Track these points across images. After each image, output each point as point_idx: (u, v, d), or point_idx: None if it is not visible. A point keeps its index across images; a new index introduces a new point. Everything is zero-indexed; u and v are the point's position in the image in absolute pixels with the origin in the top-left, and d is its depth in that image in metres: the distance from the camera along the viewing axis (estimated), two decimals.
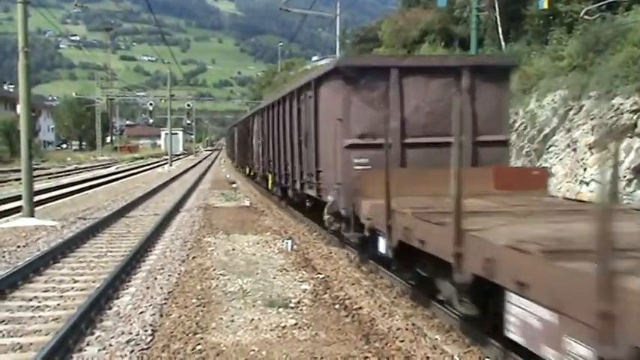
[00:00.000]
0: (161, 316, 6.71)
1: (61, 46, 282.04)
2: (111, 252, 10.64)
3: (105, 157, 69.27)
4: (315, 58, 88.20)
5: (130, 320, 6.47)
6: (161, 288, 7.95)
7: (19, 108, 15.21)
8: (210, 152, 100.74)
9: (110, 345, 5.68)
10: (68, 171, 42.90)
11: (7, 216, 15.62)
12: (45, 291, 7.84)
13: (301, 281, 8.47)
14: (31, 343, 5.74)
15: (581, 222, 5.43)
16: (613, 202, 3.35)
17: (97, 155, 72.08)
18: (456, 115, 5.46)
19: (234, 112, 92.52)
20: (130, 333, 6.01)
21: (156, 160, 65.13)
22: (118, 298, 7.52)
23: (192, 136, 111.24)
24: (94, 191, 24.37)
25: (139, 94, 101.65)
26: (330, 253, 10.77)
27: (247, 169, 27.41)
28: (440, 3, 22.71)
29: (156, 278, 8.53)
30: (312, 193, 11.88)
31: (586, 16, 16.74)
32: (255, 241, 11.87)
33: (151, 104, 64.13)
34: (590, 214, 4.51)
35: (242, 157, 30.79)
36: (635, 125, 12.04)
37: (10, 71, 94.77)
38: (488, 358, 5.51)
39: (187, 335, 6.05)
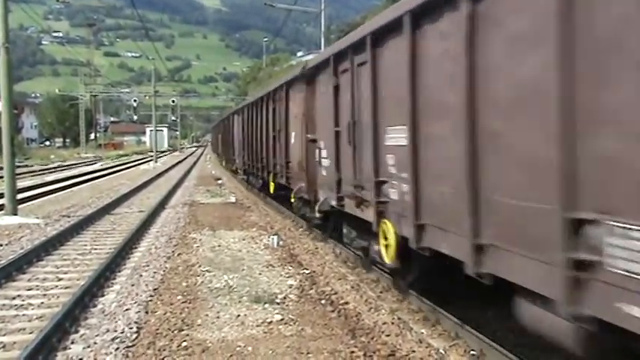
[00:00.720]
0: (146, 313, 6.69)
1: (43, 42, 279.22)
2: (95, 249, 10.58)
3: (89, 155, 68.76)
4: (300, 53, 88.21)
5: (114, 318, 6.44)
6: (146, 285, 7.91)
7: (1, 105, 15.01)
8: (195, 149, 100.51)
9: (95, 343, 5.65)
10: (52, 168, 42.49)
11: None
12: (29, 289, 7.78)
13: (287, 277, 8.48)
14: (14, 342, 5.70)
15: None
16: None
17: (81, 152, 71.52)
18: None
19: (220, 109, 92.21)
20: (115, 330, 5.98)
21: (141, 156, 64.78)
22: (102, 295, 7.48)
23: (178, 133, 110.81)
24: (78, 188, 24.15)
25: (122, 90, 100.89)
26: (317, 248, 10.78)
27: (259, 181, 18.62)
28: None
29: (141, 275, 8.49)
30: None
31: None
32: (241, 237, 11.85)
33: (135, 101, 63.57)
34: None
35: (249, 160, 19.81)
36: None
37: None
38: (473, 350, 5.56)
39: (173, 332, 6.03)
